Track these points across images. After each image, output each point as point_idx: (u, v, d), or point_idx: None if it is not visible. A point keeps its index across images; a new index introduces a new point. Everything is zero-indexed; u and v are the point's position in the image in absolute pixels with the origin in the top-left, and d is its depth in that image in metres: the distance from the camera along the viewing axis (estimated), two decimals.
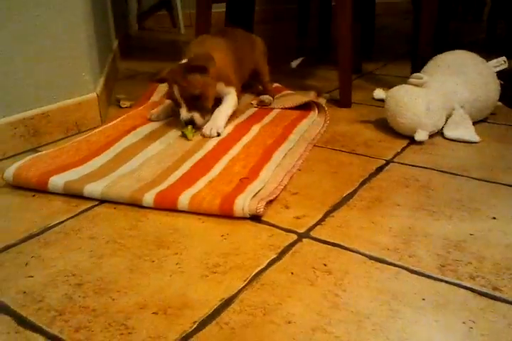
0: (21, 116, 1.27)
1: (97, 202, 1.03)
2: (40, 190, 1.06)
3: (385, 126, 1.38)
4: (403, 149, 1.25)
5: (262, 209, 0.93)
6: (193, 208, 0.96)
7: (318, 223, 0.93)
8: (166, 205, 0.98)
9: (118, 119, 1.46)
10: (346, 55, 1.52)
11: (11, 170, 1.08)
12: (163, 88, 1.66)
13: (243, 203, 0.94)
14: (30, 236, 0.91)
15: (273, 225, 0.93)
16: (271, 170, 1.10)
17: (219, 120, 1.35)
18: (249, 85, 1.67)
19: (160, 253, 0.85)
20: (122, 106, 1.65)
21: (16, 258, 0.85)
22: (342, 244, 0.86)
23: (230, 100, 1.42)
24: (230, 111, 1.40)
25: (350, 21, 1.48)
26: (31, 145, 1.31)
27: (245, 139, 1.29)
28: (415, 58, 1.58)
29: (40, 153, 1.19)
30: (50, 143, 1.33)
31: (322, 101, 1.57)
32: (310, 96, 1.59)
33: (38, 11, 1.25)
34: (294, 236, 0.89)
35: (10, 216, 0.98)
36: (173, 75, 1.31)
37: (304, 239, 0.88)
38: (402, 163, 1.17)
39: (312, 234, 0.90)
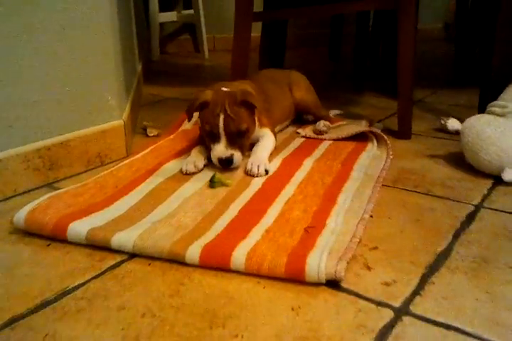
0: (36, 146, 1.08)
1: (126, 256, 0.82)
2: (58, 238, 0.86)
3: (458, 162, 1.18)
4: (490, 191, 1.04)
5: (342, 273, 0.72)
6: (251, 269, 0.76)
7: (416, 292, 0.72)
8: (216, 263, 0.78)
9: (146, 150, 1.28)
10: (407, 83, 1.33)
11: (22, 213, 0.89)
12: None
13: (318, 264, 0.73)
14: (44, 304, 0.70)
15: (357, 294, 0.71)
16: (340, 217, 0.89)
17: (261, 155, 1.15)
18: (297, 119, 1.49)
19: (214, 336, 0.64)
20: (149, 134, 1.47)
21: (25, 337, 0.64)
22: (458, 325, 0.65)
23: (269, 136, 1.23)
24: (270, 147, 1.21)
25: (413, 50, 1.30)
26: (47, 180, 1.12)
27: (299, 176, 1.09)
28: (487, 84, 1.39)
29: (58, 191, 1.00)
30: (69, 178, 1.14)
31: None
32: (362, 126, 1.40)
33: (66, 27, 1.08)
34: (390, 313, 0.67)
35: (18, 274, 0.77)
36: (221, 102, 1.10)
37: (403, 317, 0.66)
38: (495, 209, 0.96)
39: (412, 309, 0.68)
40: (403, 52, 1.31)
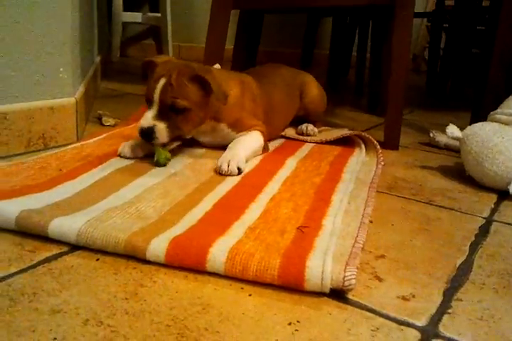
0: None
1: (67, 248, 0.63)
2: None
3: (454, 175, 1.06)
4: (497, 205, 0.92)
5: (353, 282, 0.56)
6: (233, 271, 0.58)
7: (443, 310, 0.56)
8: (187, 262, 0.60)
9: (101, 136, 1.09)
10: (399, 85, 1.23)
11: None
12: None
13: (321, 268, 0.57)
14: None
15: (370, 310, 0.55)
16: (338, 219, 0.73)
17: (238, 151, 0.97)
18: None
19: None
20: (105, 123, 1.27)
21: None
22: None
23: (255, 135, 1.04)
24: (252, 146, 1.02)
25: (409, 47, 1.21)
26: None
27: (282, 174, 0.93)
28: (480, 97, 1.31)
29: None
30: (3, 158, 0.94)
31: None
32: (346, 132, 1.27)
33: None
34: (416, 334, 0.52)
35: None
36: (170, 67, 0.92)
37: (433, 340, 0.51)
38: (509, 224, 0.83)
39: (443, 330, 0.53)
40: (398, 51, 1.21)
